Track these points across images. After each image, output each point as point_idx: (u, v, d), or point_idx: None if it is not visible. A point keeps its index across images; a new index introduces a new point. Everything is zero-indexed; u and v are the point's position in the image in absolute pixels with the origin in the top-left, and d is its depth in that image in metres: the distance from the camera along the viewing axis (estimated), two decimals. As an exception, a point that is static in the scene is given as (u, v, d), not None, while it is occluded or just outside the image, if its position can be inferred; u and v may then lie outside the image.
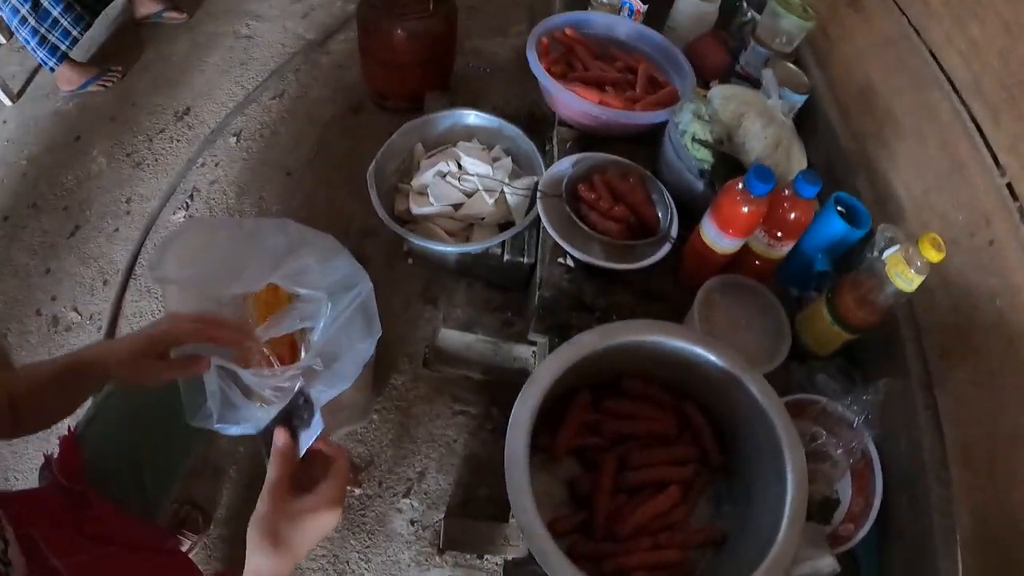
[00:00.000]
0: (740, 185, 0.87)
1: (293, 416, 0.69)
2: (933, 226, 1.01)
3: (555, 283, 1.07)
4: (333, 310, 1.05)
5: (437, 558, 1.36)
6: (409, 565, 1.36)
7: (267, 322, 1.01)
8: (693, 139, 1.03)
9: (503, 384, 1.47)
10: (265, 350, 1.05)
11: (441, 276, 1.66)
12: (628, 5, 1.42)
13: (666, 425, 0.90)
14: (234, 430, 0.88)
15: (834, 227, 0.99)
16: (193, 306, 1.05)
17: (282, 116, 2.02)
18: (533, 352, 1.32)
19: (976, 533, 0.84)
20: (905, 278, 0.84)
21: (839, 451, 0.91)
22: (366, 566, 1.36)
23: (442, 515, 1.39)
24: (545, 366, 0.76)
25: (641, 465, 0.86)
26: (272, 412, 0.76)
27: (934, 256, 0.82)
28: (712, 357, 0.80)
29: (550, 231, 1.01)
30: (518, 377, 1.45)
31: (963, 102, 1.00)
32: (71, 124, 2.06)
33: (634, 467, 0.86)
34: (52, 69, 2.02)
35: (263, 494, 0.62)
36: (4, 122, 2.07)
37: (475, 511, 1.39)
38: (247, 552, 0.61)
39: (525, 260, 1.42)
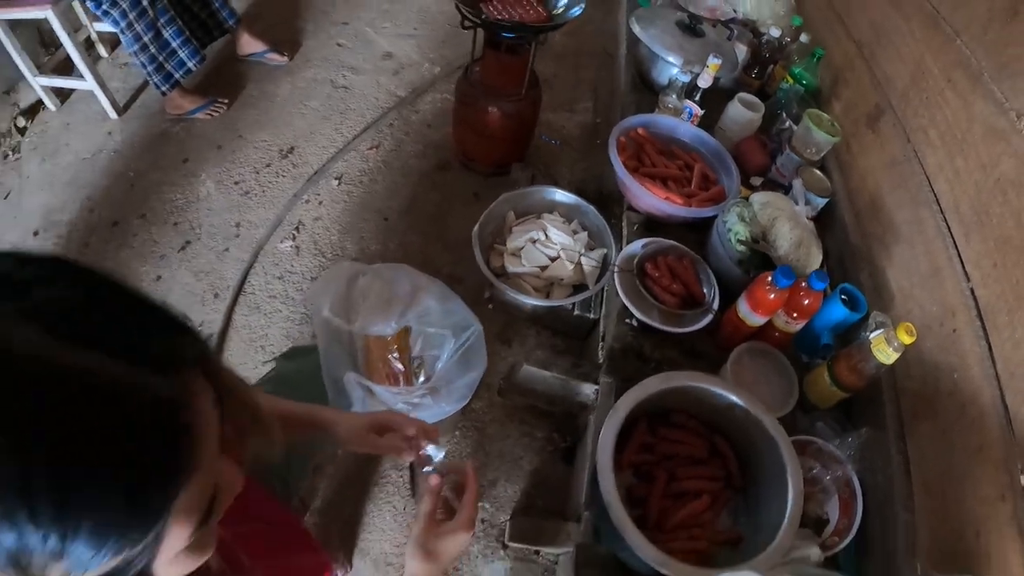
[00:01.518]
0: (769, 278, 1.20)
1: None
2: (914, 314, 1.28)
3: (621, 337, 1.40)
4: (454, 344, 1.41)
5: (501, 552, 1.63)
6: (477, 556, 1.62)
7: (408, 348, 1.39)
8: (736, 239, 1.38)
9: (565, 415, 1.77)
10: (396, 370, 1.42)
11: (516, 322, 1.93)
12: (688, 110, 1.75)
13: (702, 450, 1.21)
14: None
15: (837, 312, 1.29)
16: (330, 336, 1.41)
17: (378, 166, 2.34)
18: (595, 390, 1.65)
19: (933, 545, 1.08)
20: (885, 354, 1.12)
21: (828, 480, 1.19)
22: None
23: (508, 517, 1.65)
24: (623, 401, 1.09)
25: (683, 478, 1.17)
26: None
27: (907, 339, 1.10)
28: (740, 402, 1.12)
29: (623, 298, 1.36)
30: (578, 410, 1.77)
31: (945, 220, 1.26)
32: (179, 146, 2.34)
33: (678, 479, 1.18)
34: (164, 94, 2.28)
35: (419, 519, 0.83)
36: (109, 133, 2.36)
37: (535, 515, 1.65)
38: (406, 563, 0.82)
39: (591, 316, 1.75)
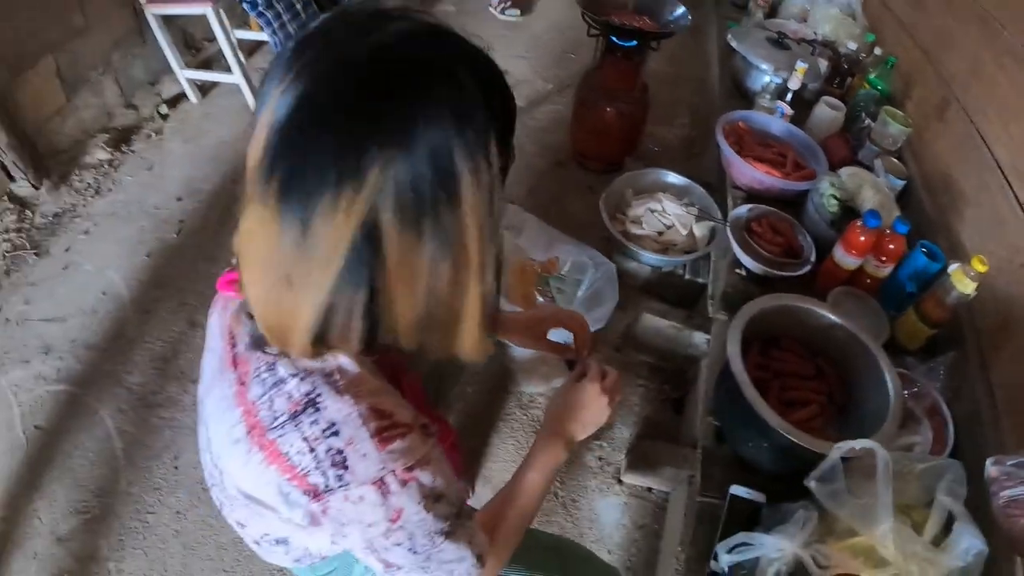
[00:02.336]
0: (859, 222, 1.45)
1: None
2: (987, 261, 1.40)
3: (733, 284, 1.67)
4: (593, 273, 1.74)
5: (616, 487, 1.81)
6: (594, 490, 1.80)
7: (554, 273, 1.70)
8: (828, 200, 1.66)
9: (675, 371, 2.03)
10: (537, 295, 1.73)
11: (630, 291, 2.11)
12: (780, 109, 2.00)
13: (808, 369, 1.37)
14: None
15: (919, 261, 1.47)
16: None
17: None
18: (707, 339, 1.88)
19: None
20: (963, 283, 1.28)
21: (919, 410, 1.30)
22: (560, 487, 1.81)
23: (623, 455, 1.84)
24: (742, 311, 1.34)
25: (793, 388, 1.34)
26: None
27: (980, 268, 1.27)
28: (840, 320, 1.30)
29: (734, 247, 1.65)
30: (688, 365, 2.06)
31: (1006, 179, 1.49)
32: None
33: (789, 389, 1.34)
34: None
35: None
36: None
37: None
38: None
39: (700, 280, 2.04)
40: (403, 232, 0.56)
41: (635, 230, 2.07)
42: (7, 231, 2.48)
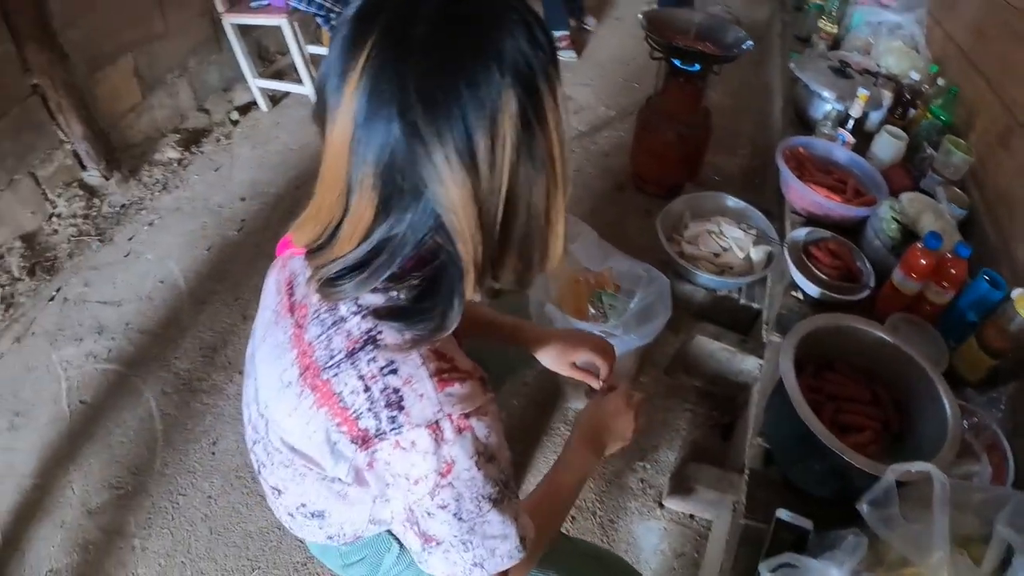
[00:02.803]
0: (920, 244, 1.39)
1: None
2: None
3: (788, 307, 1.63)
4: (647, 287, 1.71)
5: (657, 511, 1.75)
6: (633, 512, 1.74)
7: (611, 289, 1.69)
8: (888, 225, 1.60)
9: (725, 397, 1.97)
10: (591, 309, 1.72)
11: (684, 315, 2.05)
12: (841, 137, 1.94)
13: (864, 394, 1.32)
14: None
15: (981, 288, 1.40)
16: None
17: None
18: (759, 364, 1.83)
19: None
20: None
21: (977, 443, 1.24)
22: (599, 505, 1.76)
23: (666, 479, 1.78)
24: (796, 328, 1.31)
25: (848, 411, 1.28)
26: None
27: None
28: (902, 347, 1.24)
29: (792, 268, 1.61)
30: (737, 390, 2.00)
31: None
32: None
33: (843, 412, 1.29)
34: None
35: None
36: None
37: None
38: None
39: (755, 305, 1.99)
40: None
41: (691, 251, 2.04)
42: (75, 217, 2.58)
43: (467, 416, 0.63)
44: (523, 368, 1.48)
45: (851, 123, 1.94)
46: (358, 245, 0.61)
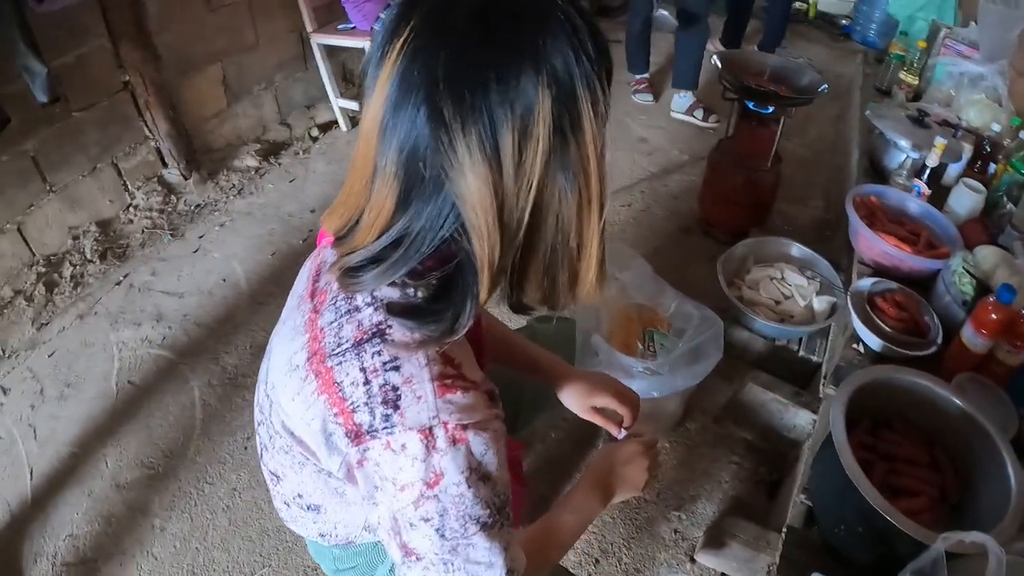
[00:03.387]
0: (992, 297, 1.28)
1: None
2: None
3: (848, 359, 1.54)
4: (698, 327, 1.65)
5: (688, 565, 1.65)
6: (661, 563, 1.65)
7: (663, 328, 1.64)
8: (960, 279, 1.50)
9: (775, 452, 1.85)
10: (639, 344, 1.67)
11: (739, 364, 2.00)
12: (917, 188, 1.84)
13: (922, 456, 1.23)
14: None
15: None
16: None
17: (628, 220, 2.67)
18: (813, 420, 1.73)
19: None
20: None
21: None
22: (625, 551, 1.68)
23: (701, 532, 1.69)
24: (852, 378, 1.23)
25: (902, 473, 1.19)
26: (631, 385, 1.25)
27: None
28: (967, 408, 1.15)
29: (854, 318, 1.52)
30: (788, 448, 1.87)
31: None
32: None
33: (896, 473, 1.20)
34: None
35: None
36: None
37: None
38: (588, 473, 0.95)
39: (815, 358, 1.88)
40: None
41: (751, 296, 1.97)
42: (151, 210, 2.70)
43: (464, 427, 0.61)
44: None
45: (927, 174, 1.84)
46: (378, 237, 0.60)
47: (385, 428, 0.59)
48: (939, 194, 1.89)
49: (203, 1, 2.75)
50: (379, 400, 0.60)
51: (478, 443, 0.62)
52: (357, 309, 0.64)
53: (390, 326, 0.62)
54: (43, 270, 2.41)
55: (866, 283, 1.60)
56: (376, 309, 0.63)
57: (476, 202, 0.56)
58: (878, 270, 1.71)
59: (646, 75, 3.60)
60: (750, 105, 2.18)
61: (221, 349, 2.17)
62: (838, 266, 2.05)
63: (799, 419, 1.80)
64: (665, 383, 1.57)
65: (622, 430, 1.11)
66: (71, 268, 2.44)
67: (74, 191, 2.50)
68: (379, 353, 0.61)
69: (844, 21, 4.46)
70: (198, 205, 2.82)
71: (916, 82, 2.38)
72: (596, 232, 0.63)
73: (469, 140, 0.54)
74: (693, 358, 1.60)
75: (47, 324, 2.29)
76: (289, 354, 0.68)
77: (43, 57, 2.05)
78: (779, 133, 2.19)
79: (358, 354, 0.61)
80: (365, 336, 0.62)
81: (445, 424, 0.59)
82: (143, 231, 2.65)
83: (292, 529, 0.87)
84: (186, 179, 2.83)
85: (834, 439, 1.08)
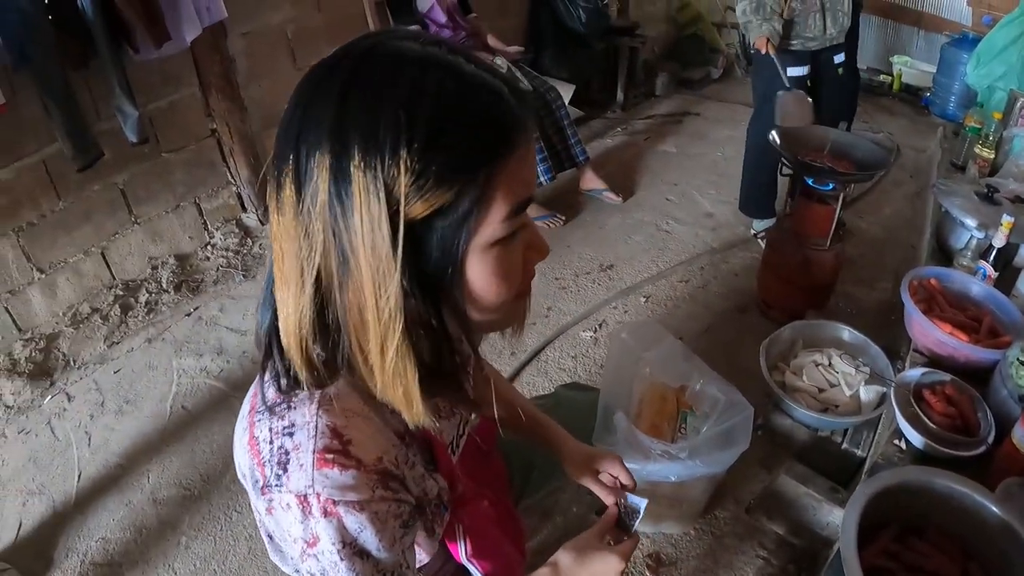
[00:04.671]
0: None
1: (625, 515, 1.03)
2: None
3: (887, 456, 1.45)
4: (724, 414, 1.59)
5: None
6: None
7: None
8: (1019, 372, 1.39)
9: (805, 549, 1.72)
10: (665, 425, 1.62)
11: (780, 453, 1.90)
12: (982, 270, 1.72)
13: (953, 572, 1.11)
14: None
15: None
16: (626, 371, 1.65)
17: (684, 296, 2.60)
18: None
19: None
20: None
21: None
22: None
23: None
24: (878, 477, 1.15)
25: None
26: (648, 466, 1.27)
27: None
28: (1009, 519, 1.05)
29: (896, 412, 1.43)
30: (821, 546, 1.75)
31: None
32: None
33: None
34: None
35: (589, 531, 0.92)
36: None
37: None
38: (556, 555, 0.90)
39: (858, 452, 1.75)
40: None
41: (794, 382, 1.87)
42: (227, 250, 2.86)
43: (335, 503, 0.62)
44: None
45: (993, 255, 1.73)
46: None
47: (277, 486, 0.63)
48: (1007, 277, 1.77)
49: (290, 60, 2.95)
50: (276, 460, 0.63)
51: (351, 520, 0.63)
52: (281, 375, 0.67)
53: (296, 395, 0.65)
54: (121, 293, 2.60)
55: (915, 373, 1.50)
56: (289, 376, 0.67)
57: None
58: (934, 359, 1.61)
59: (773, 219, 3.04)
60: (809, 181, 2.13)
61: (272, 389, 2.27)
62: (896, 354, 1.93)
63: (833, 516, 1.67)
64: (684, 468, 1.50)
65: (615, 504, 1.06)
66: (147, 295, 2.62)
67: (157, 224, 2.70)
68: (282, 418, 0.65)
69: (927, 93, 4.28)
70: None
71: (992, 156, 2.25)
72: (384, 334, 0.59)
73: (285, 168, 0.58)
74: (716, 445, 1.53)
75: (118, 343, 2.48)
76: (245, 403, 0.73)
77: (136, 101, 2.25)
78: (838, 211, 2.12)
79: (271, 415, 0.66)
80: (278, 400, 0.66)
81: (318, 495, 0.61)
82: (217, 269, 2.80)
83: (277, 563, 0.89)
84: (263, 224, 2.99)
85: (841, 549, 1.01)
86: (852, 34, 2.81)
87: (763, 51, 2.58)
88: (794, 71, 2.63)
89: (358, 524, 0.63)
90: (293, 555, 0.66)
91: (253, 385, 0.73)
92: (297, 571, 0.82)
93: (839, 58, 2.79)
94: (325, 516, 0.62)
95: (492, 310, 0.64)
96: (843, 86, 2.89)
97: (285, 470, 0.62)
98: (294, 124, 0.56)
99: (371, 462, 0.64)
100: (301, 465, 0.62)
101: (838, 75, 2.82)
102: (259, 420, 0.66)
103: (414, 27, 2.79)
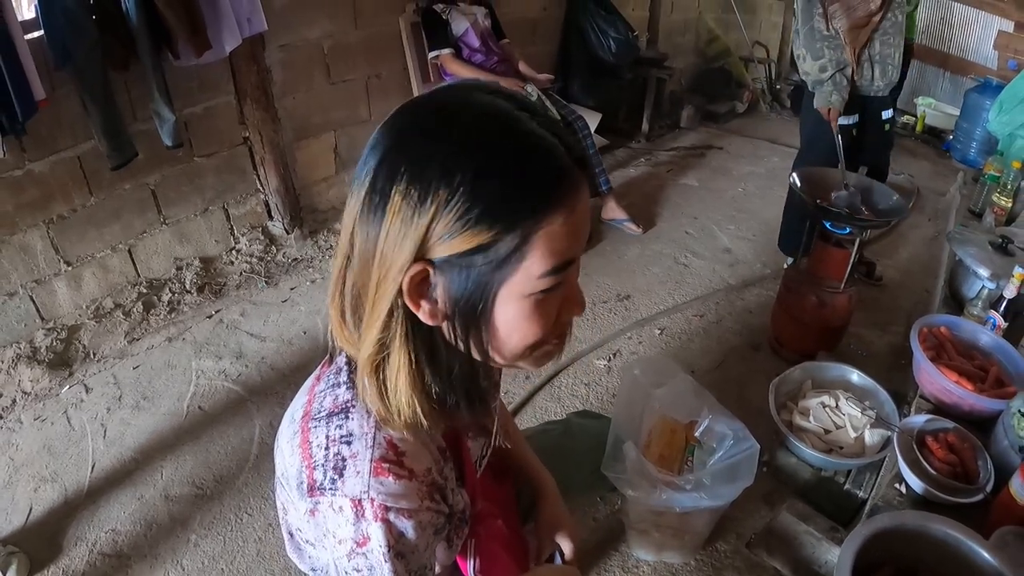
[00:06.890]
0: None
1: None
2: None
3: (888, 500, 1.49)
4: (731, 448, 1.64)
5: None
6: None
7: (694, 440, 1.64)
8: (1020, 423, 1.43)
9: None
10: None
11: (783, 490, 1.95)
12: (992, 320, 1.77)
13: None
14: (627, 492, 1.44)
15: None
16: (637, 405, 1.70)
17: (698, 330, 2.65)
18: None
19: None
20: None
21: None
22: None
23: None
24: (873, 521, 1.19)
25: None
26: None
27: None
28: (1002, 567, 1.08)
29: (898, 457, 1.48)
30: (822, 586, 1.81)
31: None
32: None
33: None
34: None
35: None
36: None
37: None
38: None
39: (860, 494, 1.80)
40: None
41: (801, 422, 1.92)
42: (251, 256, 2.95)
43: (387, 509, 0.68)
44: (602, 489, 1.51)
45: (1003, 305, 1.77)
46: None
47: (331, 489, 0.69)
48: (1017, 328, 1.81)
49: (325, 75, 3.05)
50: (331, 465, 0.69)
51: (399, 525, 0.69)
52: (339, 385, 0.74)
53: (355, 407, 0.72)
54: (144, 291, 2.68)
55: (918, 420, 1.55)
56: (348, 388, 0.74)
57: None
58: (939, 406, 1.65)
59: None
60: (827, 224, 2.19)
61: (288, 394, 2.27)
62: (903, 398, 1.97)
63: (832, 555, 1.71)
64: (689, 500, 1.55)
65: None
66: (170, 294, 2.70)
67: (185, 226, 2.80)
68: (340, 427, 0.71)
69: (950, 137, 4.30)
70: (295, 259, 3.05)
71: (1009, 204, 2.29)
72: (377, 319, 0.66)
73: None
74: (723, 478, 1.58)
75: (138, 340, 2.56)
76: (294, 408, 0.79)
77: (174, 106, 2.34)
78: (854, 255, 2.17)
79: (328, 423, 0.72)
80: (336, 410, 0.72)
81: (372, 500, 0.67)
82: (241, 274, 2.89)
83: (293, 560, 0.94)
84: (288, 233, 3.07)
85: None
86: (896, 88, 2.86)
87: (825, 118, 2.62)
88: (843, 120, 2.67)
89: (404, 529, 0.70)
90: (337, 554, 0.71)
91: (305, 391, 0.79)
92: (313, 570, 0.88)
93: (887, 114, 2.83)
94: (376, 520, 0.68)
95: (515, 351, 0.68)
96: (887, 142, 2.94)
97: (341, 475, 0.68)
98: (377, 149, 0.64)
99: (422, 473, 0.72)
100: (358, 472, 0.68)
101: (884, 131, 2.86)
102: (315, 427, 0.72)
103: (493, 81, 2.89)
